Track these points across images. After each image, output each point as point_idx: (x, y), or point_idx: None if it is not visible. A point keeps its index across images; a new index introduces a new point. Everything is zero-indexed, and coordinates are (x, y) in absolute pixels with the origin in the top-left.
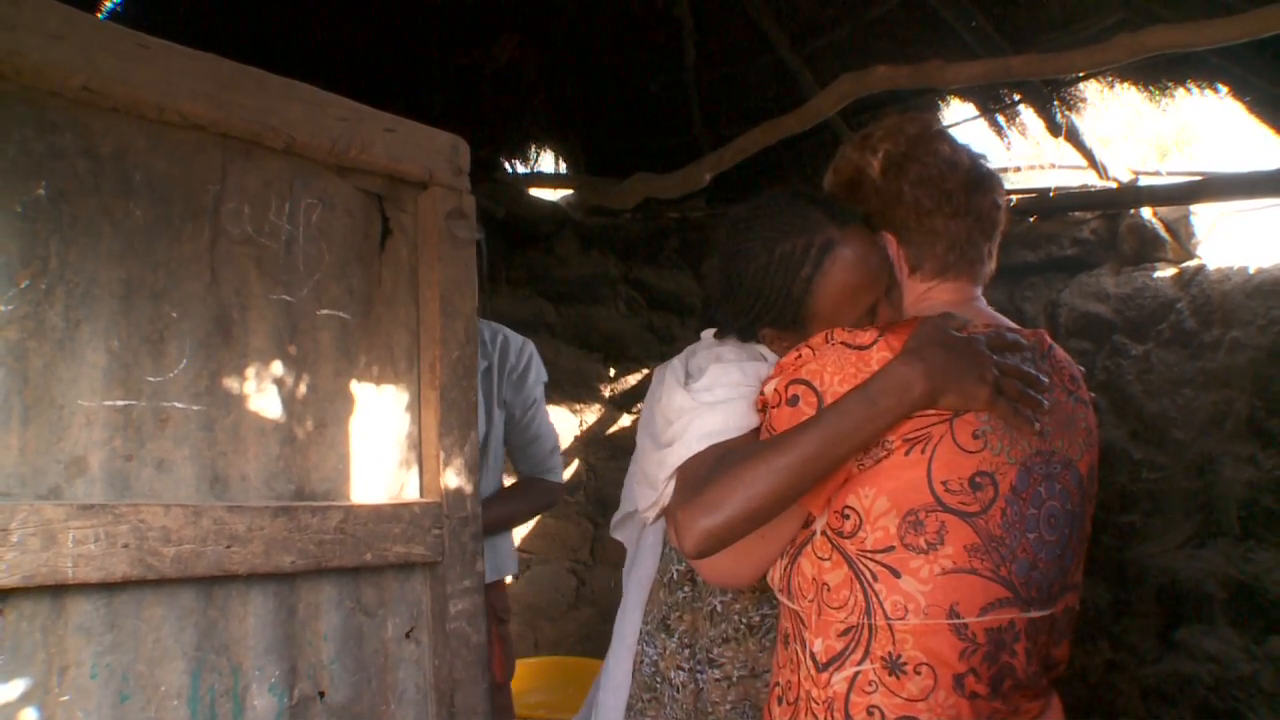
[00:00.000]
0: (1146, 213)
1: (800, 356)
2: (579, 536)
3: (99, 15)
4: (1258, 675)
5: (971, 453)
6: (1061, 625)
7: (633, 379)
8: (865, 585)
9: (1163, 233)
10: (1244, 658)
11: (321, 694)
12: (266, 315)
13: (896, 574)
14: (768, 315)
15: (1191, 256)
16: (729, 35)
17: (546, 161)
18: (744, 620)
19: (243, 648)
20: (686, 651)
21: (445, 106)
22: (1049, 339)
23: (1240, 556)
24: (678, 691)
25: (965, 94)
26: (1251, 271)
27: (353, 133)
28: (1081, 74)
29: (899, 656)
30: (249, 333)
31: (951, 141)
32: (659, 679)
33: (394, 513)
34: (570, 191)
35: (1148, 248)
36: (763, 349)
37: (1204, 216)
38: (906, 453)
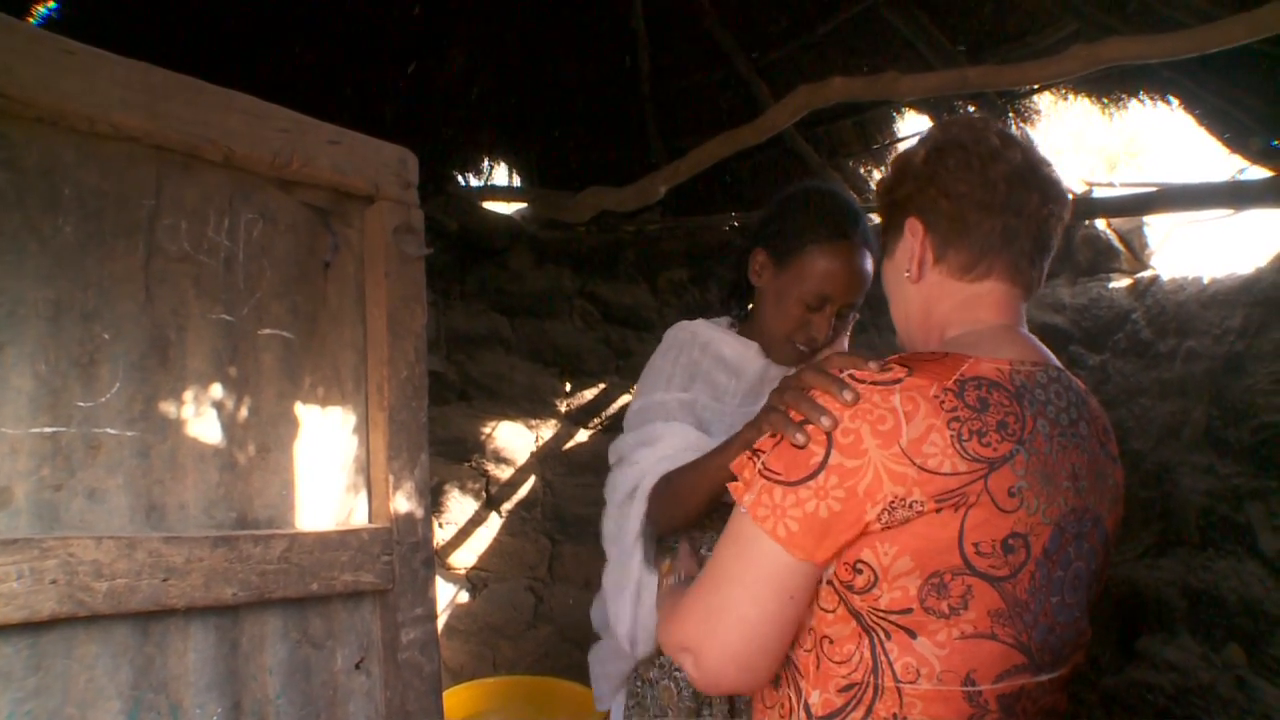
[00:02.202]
0: (1101, 224)
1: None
2: (536, 554)
3: (30, 21)
4: (1217, 683)
5: (1007, 512)
6: (1066, 682)
7: (589, 393)
8: (876, 644)
9: (1117, 243)
10: (1203, 666)
11: None
12: (205, 336)
13: (913, 635)
14: (774, 236)
15: (1146, 267)
16: (684, 48)
17: (500, 175)
18: None
19: (182, 684)
20: (661, 658)
21: (397, 119)
22: (1083, 386)
23: (1200, 565)
24: (654, 688)
25: (920, 105)
26: (1205, 282)
27: (295, 145)
28: (1036, 85)
29: (904, 719)
30: (187, 354)
31: (1008, 137)
32: (639, 682)
33: (341, 540)
34: (524, 205)
35: (1102, 258)
36: (700, 332)
37: (1157, 228)
38: (938, 512)
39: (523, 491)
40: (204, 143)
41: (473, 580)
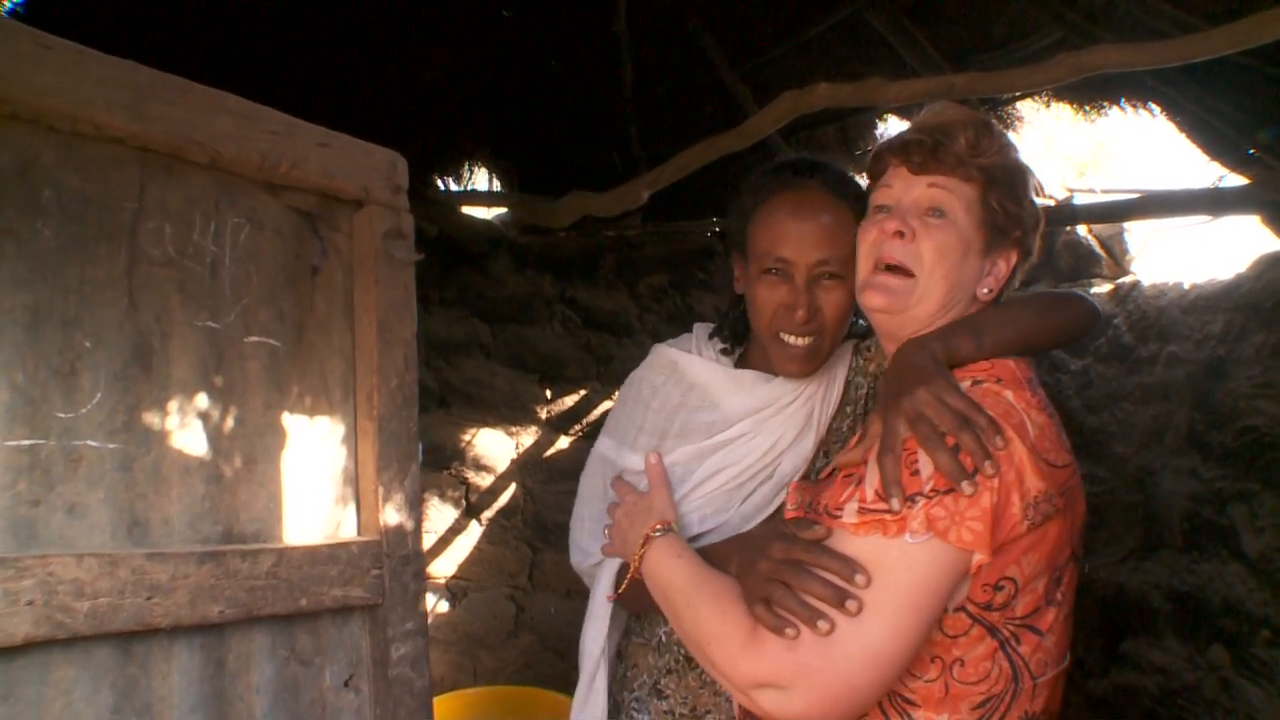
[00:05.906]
0: (1081, 230)
1: None
2: (517, 562)
3: None
4: (1201, 684)
5: (1082, 495)
6: None
7: (570, 400)
8: (1010, 652)
9: (1098, 249)
10: (1188, 668)
11: None
12: (190, 344)
13: (1039, 633)
14: (733, 237)
15: (1126, 272)
16: (667, 52)
17: (480, 179)
18: (684, 651)
19: (166, 706)
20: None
21: (377, 122)
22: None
23: (1184, 568)
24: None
25: (902, 111)
26: (1186, 287)
27: (284, 147)
28: (1019, 92)
29: (1034, 715)
30: (170, 363)
31: (1038, 184)
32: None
33: (330, 553)
34: (503, 210)
35: (1083, 264)
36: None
37: (1136, 234)
38: (1063, 510)
39: (503, 499)
40: (190, 144)
41: (452, 589)
